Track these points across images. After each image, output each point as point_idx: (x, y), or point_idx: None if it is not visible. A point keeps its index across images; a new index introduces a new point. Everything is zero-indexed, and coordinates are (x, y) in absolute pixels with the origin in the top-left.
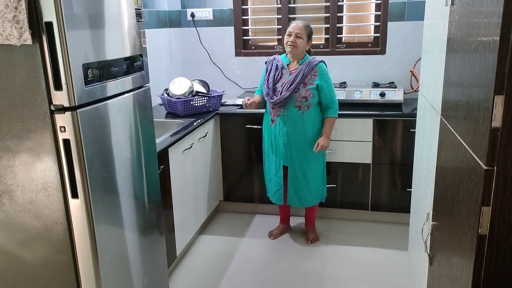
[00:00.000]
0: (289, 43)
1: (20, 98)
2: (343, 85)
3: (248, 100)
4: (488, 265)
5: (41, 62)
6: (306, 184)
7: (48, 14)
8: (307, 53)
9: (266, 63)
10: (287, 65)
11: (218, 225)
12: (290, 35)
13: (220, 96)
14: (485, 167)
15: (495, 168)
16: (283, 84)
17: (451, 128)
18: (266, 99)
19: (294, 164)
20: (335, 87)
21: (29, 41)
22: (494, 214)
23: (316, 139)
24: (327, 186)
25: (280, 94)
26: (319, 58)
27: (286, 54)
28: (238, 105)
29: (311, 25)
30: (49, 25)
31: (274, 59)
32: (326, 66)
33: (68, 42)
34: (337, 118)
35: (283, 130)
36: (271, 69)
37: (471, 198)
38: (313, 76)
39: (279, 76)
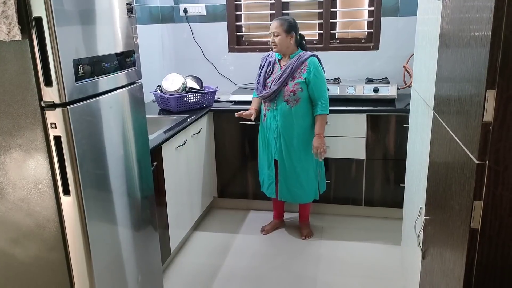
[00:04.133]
0: (271, 43)
1: (10, 94)
2: (336, 80)
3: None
4: (480, 258)
5: (31, 58)
6: (297, 179)
7: (38, 9)
8: (300, 48)
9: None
10: (278, 60)
11: (212, 221)
12: (271, 35)
13: (214, 92)
14: (477, 162)
15: (487, 162)
16: (274, 79)
17: (443, 123)
18: (256, 93)
19: (283, 158)
20: (328, 83)
21: (18, 37)
22: (486, 208)
23: (305, 134)
24: None
25: (269, 88)
26: (311, 52)
27: None
28: (231, 101)
29: (305, 20)
30: (39, 20)
31: (268, 55)
32: (320, 60)
33: (58, 38)
34: (332, 114)
35: (273, 124)
36: (264, 65)
37: (463, 193)
38: (302, 70)
39: (270, 72)
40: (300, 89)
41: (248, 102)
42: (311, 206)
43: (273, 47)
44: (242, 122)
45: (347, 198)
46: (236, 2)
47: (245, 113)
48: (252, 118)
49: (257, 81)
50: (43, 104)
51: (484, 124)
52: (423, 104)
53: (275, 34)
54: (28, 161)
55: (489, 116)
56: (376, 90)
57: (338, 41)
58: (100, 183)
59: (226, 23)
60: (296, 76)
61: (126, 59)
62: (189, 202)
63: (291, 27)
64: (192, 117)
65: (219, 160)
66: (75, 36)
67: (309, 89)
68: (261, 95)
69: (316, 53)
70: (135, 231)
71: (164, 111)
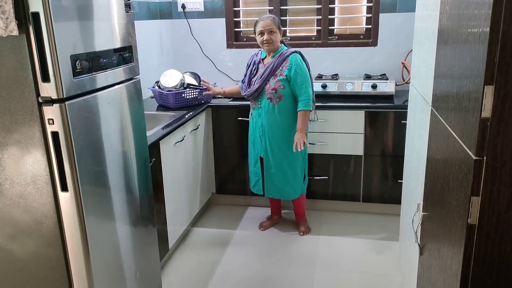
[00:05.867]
0: (265, 41)
1: (7, 90)
2: (335, 77)
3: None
4: (478, 254)
5: (28, 53)
6: (282, 176)
7: (35, 4)
8: (283, 45)
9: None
10: (262, 59)
11: (210, 217)
12: (262, 33)
13: None
14: (474, 157)
15: (485, 158)
16: (257, 78)
17: (441, 119)
18: (241, 93)
19: (268, 156)
20: (326, 79)
21: (15, 32)
22: (484, 204)
23: (290, 130)
24: (318, 178)
25: (252, 87)
26: (293, 49)
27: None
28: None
29: (303, 16)
30: (36, 15)
31: (255, 55)
32: (302, 56)
33: (56, 33)
34: (330, 110)
35: (258, 122)
36: (250, 64)
37: (461, 188)
38: (283, 67)
39: (255, 71)
40: (282, 86)
41: (246, 99)
42: (305, 202)
43: (266, 45)
44: (240, 118)
45: (345, 194)
46: None
47: (209, 85)
48: (204, 93)
49: (242, 80)
50: (40, 100)
51: (482, 120)
52: (421, 100)
53: (272, 31)
54: (26, 157)
55: (487, 112)
56: (374, 87)
57: (336, 37)
58: (98, 179)
59: (224, 19)
60: (277, 73)
61: (124, 55)
62: (187, 198)
63: (280, 24)
64: (191, 113)
65: (218, 156)
66: (73, 31)
67: (290, 85)
68: (245, 93)
69: (310, 50)
70: (133, 227)
71: (162, 107)
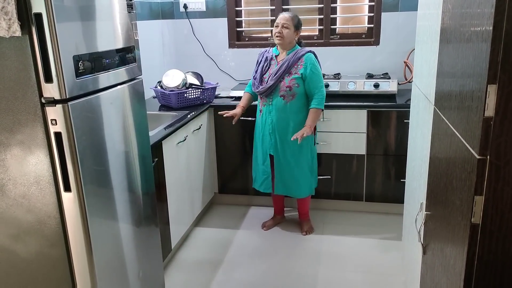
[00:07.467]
0: (276, 34)
1: (10, 91)
2: (337, 76)
3: (226, 114)
4: (481, 253)
5: (31, 54)
6: (292, 174)
7: (38, 5)
8: (297, 44)
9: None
10: (275, 56)
11: (213, 217)
12: (277, 26)
13: (214, 88)
14: (478, 157)
15: (488, 157)
16: (270, 74)
17: (444, 118)
18: (253, 89)
19: (278, 153)
20: (329, 79)
21: (18, 33)
22: (487, 203)
23: (300, 129)
24: (321, 177)
25: (266, 84)
26: (308, 48)
27: (277, 46)
28: (232, 97)
29: (305, 16)
30: (39, 16)
31: (266, 51)
32: (316, 56)
33: (58, 34)
34: (332, 110)
35: (268, 119)
36: (261, 61)
37: (464, 188)
38: (299, 66)
39: (267, 67)
40: (297, 85)
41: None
42: (309, 202)
43: (277, 38)
44: (242, 118)
45: (348, 194)
46: None
47: (230, 113)
48: (233, 122)
49: (253, 76)
50: (43, 101)
51: (485, 119)
52: (424, 99)
53: (285, 26)
54: (29, 158)
55: (490, 111)
56: (376, 86)
57: (338, 37)
58: (101, 179)
59: (226, 18)
60: (292, 71)
61: (126, 55)
62: (190, 198)
63: (299, 25)
64: (193, 113)
65: (220, 156)
66: (75, 32)
67: (305, 84)
68: (257, 90)
69: (313, 49)
70: (136, 227)
71: (165, 107)
